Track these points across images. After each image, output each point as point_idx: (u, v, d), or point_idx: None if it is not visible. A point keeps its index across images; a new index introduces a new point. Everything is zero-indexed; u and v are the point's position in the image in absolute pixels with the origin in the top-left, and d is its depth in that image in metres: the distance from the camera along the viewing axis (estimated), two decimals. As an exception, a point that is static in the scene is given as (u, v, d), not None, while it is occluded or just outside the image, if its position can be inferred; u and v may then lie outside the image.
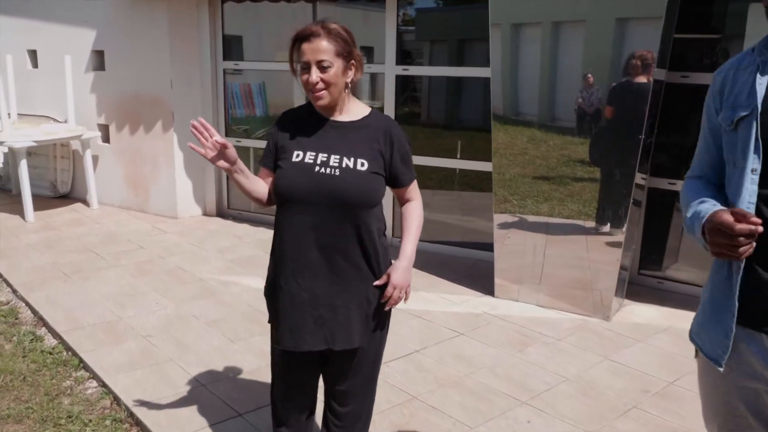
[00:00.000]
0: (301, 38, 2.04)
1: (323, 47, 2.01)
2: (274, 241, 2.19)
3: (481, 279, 4.69)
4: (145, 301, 4.21)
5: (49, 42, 6.88)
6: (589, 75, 4.09)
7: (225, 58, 6.18)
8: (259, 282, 4.74)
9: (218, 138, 2.05)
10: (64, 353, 3.57)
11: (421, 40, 5.98)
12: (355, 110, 2.15)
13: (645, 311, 4.25)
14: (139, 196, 6.56)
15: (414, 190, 2.21)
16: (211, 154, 2.06)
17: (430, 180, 5.61)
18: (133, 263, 4.98)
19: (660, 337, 3.86)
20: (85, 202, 6.88)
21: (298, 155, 2.10)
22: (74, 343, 3.59)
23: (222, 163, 2.08)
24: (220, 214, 6.52)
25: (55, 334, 3.76)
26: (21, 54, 7.19)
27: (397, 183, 2.15)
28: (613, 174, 4.07)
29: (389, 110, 5.42)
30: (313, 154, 2.09)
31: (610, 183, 4.12)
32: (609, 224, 4.17)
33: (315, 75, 2.01)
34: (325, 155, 2.08)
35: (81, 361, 3.43)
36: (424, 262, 4.79)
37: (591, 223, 4.21)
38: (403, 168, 2.13)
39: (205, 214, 6.52)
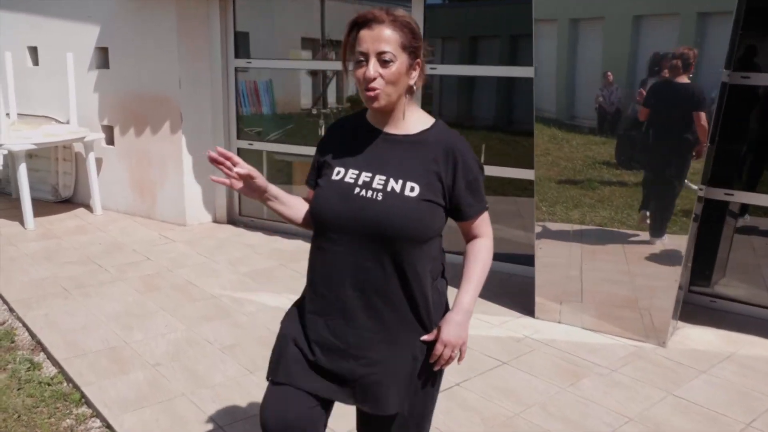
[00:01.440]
0: (359, 24, 1.65)
1: (386, 36, 1.62)
2: (308, 267, 1.84)
3: (518, 297, 4.31)
4: (153, 323, 3.84)
5: (51, 38, 6.51)
6: (609, 73, 3.77)
7: (237, 56, 5.79)
8: (276, 300, 4.46)
9: (241, 169, 1.69)
10: (64, 384, 3.20)
11: (432, 37, 5.60)
12: (414, 121, 1.75)
13: (702, 335, 3.86)
14: (146, 202, 6.19)
15: (483, 225, 1.81)
16: (238, 185, 1.71)
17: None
18: (139, 277, 4.61)
19: (724, 366, 3.48)
20: (88, 207, 6.51)
21: (338, 173, 1.74)
22: (75, 373, 3.22)
23: (251, 193, 1.75)
24: (231, 221, 6.15)
25: (55, 362, 3.39)
26: (21, 51, 6.81)
27: (460, 215, 1.76)
28: (670, 182, 3.70)
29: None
30: (356, 172, 1.72)
31: (661, 191, 3.77)
32: (664, 237, 3.79)
33: (373, 69, 1.62)
34: (369, 175, 1.71)
35: (83, 395, 3.05)
36: (452, 275, 4.41)
37: (627, 232, 3.85)
38: (469, 197, 1.73)
39: (215, 221, 6.15)
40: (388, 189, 1.67)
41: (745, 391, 3.21)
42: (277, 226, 5.88)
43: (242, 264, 4.97)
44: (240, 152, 5.98)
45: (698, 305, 4.28)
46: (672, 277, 3.70)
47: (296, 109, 6.27)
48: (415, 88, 1.71)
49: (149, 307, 4.06)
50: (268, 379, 1.85)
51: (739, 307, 4.24)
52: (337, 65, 6.16)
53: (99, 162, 6.38)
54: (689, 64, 3.60)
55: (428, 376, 1.80)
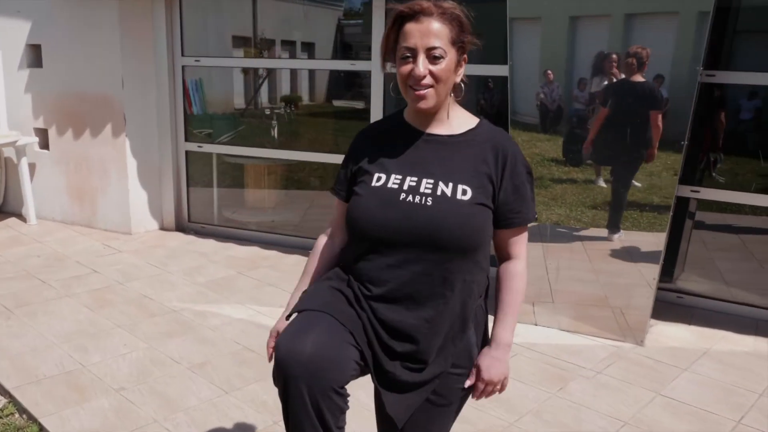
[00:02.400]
0: (405, 16, 1.50)
1: (436, 30, 1.48)
2: (346, 267, 1.69)
3: (491, 300, 4.22)
4: (110, 342, 3.55)
5: (-26, 35, 6.01)
6: (549, 71, 3.80)
7: (184, 54, 5.48)
8: (241, 312, 4.21)
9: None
10: (17, 416, 2.89)
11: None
12: (458, 121, 1.62)
13: (676, 332, 3.88)
14: (86, 210, 5.79)
15: (521, 242, 1.66)
16: None
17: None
18: (88, 292, 4.28)
19: (703, 363, 3.49)
20: (20, 216, 6.05)
21: (379, 178, 1.58)
22: (30, 402, 2.91)
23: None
24: (180, 228, 5.83)
25: (4, 391, 3.06)
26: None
27: (500, 222, 1.61)
28: (623, 179, 3.75)
29: (377, 114, 4.89)
30: (399, 177, 1.57)
31: (615, 188, 3.82)
32: (620, 233, 3.82)
33: (423, 66, 1.48)
34: (415, 179, 1.56)
35: (41, 428, 2.76)
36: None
37: (585, 231, 3.88)
38: (516, 202, 1.60)
39: (163, 228, 5.82)
40: (438, 193, 1.54)
41: (728, 388, 3.22)
42: (229, 232, 5.62)
43: (198, 274, 4.69)
44: (188, 155, 5.68)
45: (665, 302, 4.32)
46: (650, 275, 3.70)
47: (229, 109, 6.02)
48: (463, 86, 1.58)
49: (104, 325, 3.76)
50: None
51: (704, 302, 4.30)
52: (288, 63, 5.95)
53: (32, 168, 5.94)
54: (643, 63, 3.64)
55: (452, 396, 1.68)
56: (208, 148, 5.68)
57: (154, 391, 3.03)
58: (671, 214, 3.67)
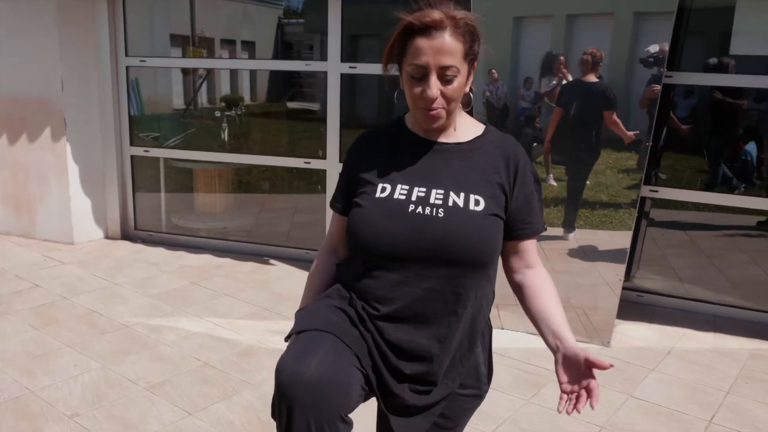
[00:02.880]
0: (417, 30, 1.38)
1: (449, 47, 1.37)
2: (349, 285, 1.56)
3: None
4: (60, 363, 3.32)
5: None
6: (494, 70, 3.83)
7: (128, 54, 5.22)
8: (199, 325, 4.04)
9: None
10: (-41, 450, 2.66)
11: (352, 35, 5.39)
12: (465, 128, 1.53)
13: (639, 331, 3.92)
14: (22, 219, 5.46)
15: (535, 252, 1.59)
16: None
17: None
18: (31, 308, 4.01)
19: (668, 362, 3.52)
20: (-50, 227, 5.67)
21: (384, 189, 1.47)
22: (-27, 435, 2.69)
23: None
24: (127, 236, 5.56)
25: (-58, 423, 2.82)
26: None
27: (514, 233, 1.53)
28: (579, 177, 3.80)
29: (333, 116, 4.77)
30: (406, 187, 1.46)
31: (577, 188, 3.84)
32: (574, 231, 3.84)
33: (435, 88, 1.38)
34: (423, 189, 1.46)
35: (-12, 463, 2.55)
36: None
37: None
38: (527, 212, 1.53)
39: (108, 237, 5.54)
40: (449, 204, 1.44)
41: (696, 387, 3.26)
42: (179, 240, 5.39)
43: (150, 285, 4.47)
44: (134, 160, 5.43)
45: (626, 300, 4.35)
46: (612, 275, 3.71)
47: (167, 110, 5.80)
48: (472, 95, 1.49)
49: (51, 345, 3.52)
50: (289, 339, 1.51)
51: (662, 300, 4.37)
52: (244, 64, 5.77)
53: (-38, 175, 5.56)
54: (597, 64, 3.67)
55: (459, 417, 1.62)
56: (155, 152, 5.44)
57: (111, 416, 2.84)
58: (636, 214, 3.69)
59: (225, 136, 5.56)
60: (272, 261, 5.07)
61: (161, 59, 5.40)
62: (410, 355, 1.47)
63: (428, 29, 1.37)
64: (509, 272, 1.60)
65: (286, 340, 1.51)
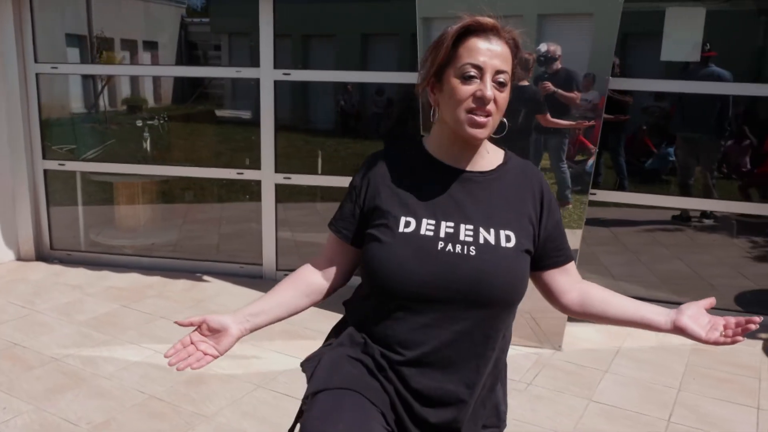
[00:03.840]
0: (473, 30, 1.31)
1: (503, 53, 1.32)
2: (366, 328, 1.47)
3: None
4: (-15, 406, 2.99)
5: None
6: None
7: (38, 60, 4.82)
8: (138, 353, 3.78)
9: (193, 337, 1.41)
10: None
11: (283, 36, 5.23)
12: (489, 155, 1.45)
13: (586, 333, 3.99)
14: None
15: (576, 271, 1.55)
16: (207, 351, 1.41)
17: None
18: (-59, 345, 3.62)
19: (619, 363, 3.60)
20: None
21: (408, 223, 1.37)
22: None
23: (225, 339, 1.42)
24: (42, 257, 5.13)
25: None
26: None
27: (549, 261, 1.48)
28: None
29: (268, 124, 4.58)
30: (432, 222, 1.37)
31: None
32: None
33: (491, 89, 1.29)
34: (451, 224, 1.37)
35: None
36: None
37: None
38: (560, 240, 1.48)
39: (21, 258, 5.09)
40: (481, 241, 1.36)
41: (649, 386, 3.34)
42: (102, 258, 5.04)
43: (75, 311, 4.14)
44: (48, 174, 5.02)
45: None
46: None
47: (65, 115, 5.44)
48: (506, 123, 1.41)
49: (-29, 386, 3.17)
50: (305, 402, 1.40)
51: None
52: (171, 71, 5.47)
53: None
54: (528, 69, 3.72)
55: None
56: (71, 165, 5.05)
57: (54, 465, 2.58)
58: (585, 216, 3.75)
59: (147, 146, 5.25)
60: (205, 277, 4.83)
61: (76, 66, 5.02)
62: (436, 403, 1.38)
63: (485, 31, 1.31)
64: (560, 296, 1.53)
65: (303, 400, 1.39)
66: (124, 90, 5.66)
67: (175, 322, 1.48)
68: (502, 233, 1.38)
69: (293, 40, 5.35)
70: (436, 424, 1.39)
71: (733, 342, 1.34)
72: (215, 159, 5.48)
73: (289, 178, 4.67)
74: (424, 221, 1.37)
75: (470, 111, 1.33)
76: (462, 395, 1.39)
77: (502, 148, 1.51)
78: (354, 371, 1.37)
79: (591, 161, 3.70)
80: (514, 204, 1.43)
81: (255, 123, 4.69)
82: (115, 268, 4.95)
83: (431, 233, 1.36)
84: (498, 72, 1.32)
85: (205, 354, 1.41)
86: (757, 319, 1.33)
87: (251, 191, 5.43)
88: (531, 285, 1.51)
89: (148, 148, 5.25)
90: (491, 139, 1.47)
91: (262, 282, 4.74)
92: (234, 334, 1.43)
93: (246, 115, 5.36)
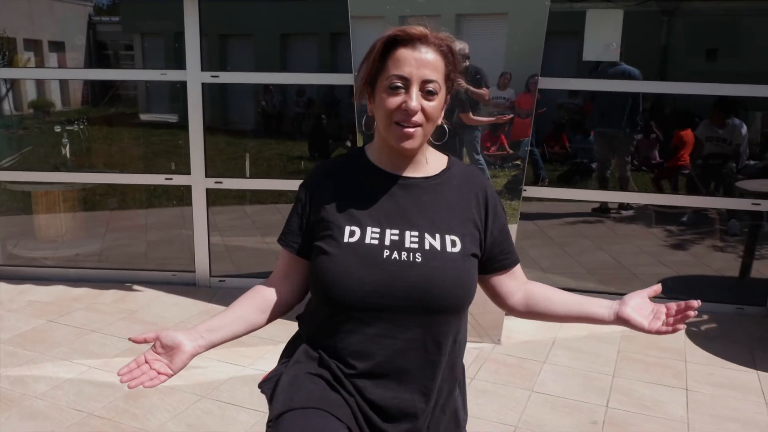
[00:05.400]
0: (400, 40, 1.31)
1: (433, 62, 1.32)
2: (313, 341, 1.47)
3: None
4: None
5: None
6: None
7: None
8: (70, 369, 3.62)
9: (148, 356, 1.38)
10: None
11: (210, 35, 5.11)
12: (431, 161, 1.46)
13: (521, 325, 4.09)
14: None
15: (522, 273, 1.58)
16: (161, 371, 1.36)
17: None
18: None
19: (556, 353, 3.73)
20: None
21: (353, 233, 1.37)
22: None
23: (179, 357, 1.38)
24: (-48, 272, 4.82)
25: None
26: None
27: (496, 265, 1.51)
28: None
29: (196, 128, 4.46)
30: (377, 230, 1.38)
31: None
32: None
33: (417, 100, 1.30)
34: (396, 231, 1.38)
35: None
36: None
37: None
38: (506, 243, 1.52)
39: (-71, 275, 4.77)
40: (426, 247, 1.37)
41: (585, 374, 3.48)
42: (22, 272, 4.77)
43: (-3, 329, 3.92)
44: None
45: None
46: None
47: None
48: (446, 129, 1.42)
49: None
50: (270, 426, 1.37)
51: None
52: (97, 74, 5.24)
53: None
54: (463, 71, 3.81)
55: None
56: (-17, 175, 4.76)
57: (-11, 494, 2.44)
58: (518, 217, 3.85)
59: (67, 152, 5.02)
60: (136, 287, 4.66)
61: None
62: (394, 414, 1.38)
63: (413, 41, 1.32)
64: (506, 298, 1.57)
65: (268, 423, 1.37)
66: (30, 93, 5.39)
67: (130, 339, 1.43)
68: (448, 238, 1.40)
69: (209, 40, 5.23)
70: None
71: (675, 330, 1.39)
72: (140, 164, 5.29)
73: (220, 182, 4.58)
74: (369, 230, 1.38)
75: (398, 122, 1.34)
76: (419, 403, 1.40)
77: (445, 153, 1.54)
78: (315, 388, 1.36)
79: (534, 154, 3.80)
80: (459, 209, 1.45)
81: (179, 126, 4.57)
82: (38, 281, 4.70)
83: (376, 241, 1.37)
84: (426, 81, 1.33)
85: (159, 373, 1.36)
86: (695, 303, 1.38)
87: (177, 196, 5.29)
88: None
89: (68, 154, 5.01)
90: (433, 145, 1.49)
91: (195, 289, 4.63)
92: (188, 351, 1.39)
93: (172, 118, 5.21)
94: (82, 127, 5.08)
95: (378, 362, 1.36)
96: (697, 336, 3.97)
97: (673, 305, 1.41)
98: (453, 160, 1.53)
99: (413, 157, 1.44)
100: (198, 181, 4.56)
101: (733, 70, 5.78)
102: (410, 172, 1.45)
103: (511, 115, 3.69)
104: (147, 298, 4.49)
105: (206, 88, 4.42)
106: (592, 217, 5.98)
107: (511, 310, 1.59)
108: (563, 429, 2.94)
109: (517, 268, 1.57)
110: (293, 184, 4.87)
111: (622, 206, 5.91)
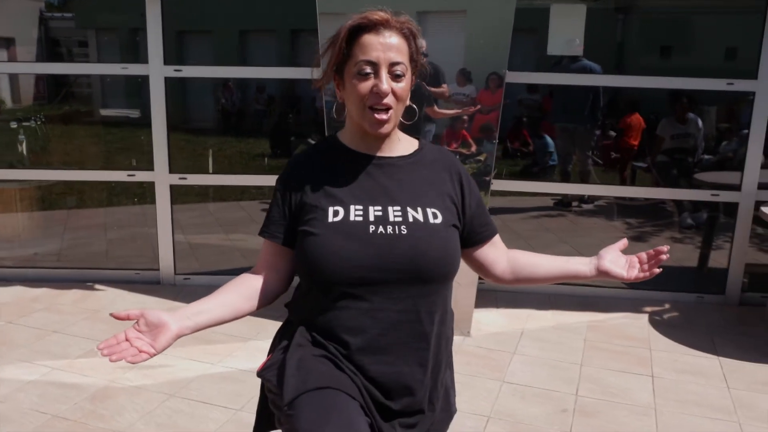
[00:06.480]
0: (363, 27, 1.35)
1: (398, 44, 1.36)
2: (311, 322, 1.46)
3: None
4: None
5: None
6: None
7: None
8: (31, 371, 3.52)
9: (129, 333, 1.32)
10: None
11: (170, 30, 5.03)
12: (403, 142, 1.51)
13: (490, 317, 4.15)
14: None
15: (502, 242, 1.62)
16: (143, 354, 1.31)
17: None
18: None
19: (525, 344, 3.78)
20: None
21: (336, 212, 1.39)
22: None
23: (162, 337, 1.34)
24: None
25: None
26: None
27: (476, 238, 1.55)
28: None
29: (159, 123, 4.38)
30: (360, 208, 1.40)
31: None
32: None
33: (387, 83, 1.33)
34: (379, 207, 1.41)
35: None
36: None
37: None
38: (483, 215, 1.56)
39: None
40: (410, 219, 1.40)
41: (554, 364, 3.53)
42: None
43: (-48, 331, 3.78)
44: None
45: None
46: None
47: None
48: (416, 109, 1.45)
49: None
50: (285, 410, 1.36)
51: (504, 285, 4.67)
52: (56, 68, 5.09)
53: None
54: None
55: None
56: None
57: (-49, 501, 2.35)
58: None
59: (24, 149, 4.87)
60: (98, 286, 4.55)
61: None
62: (395, 389, 1.39)
63: (376, 26, 1.36)
64: (492, 268, 1.60)
65: (283, 408, 1.35)
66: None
67: (111, 314, 1.39)
68: (429, 211, 1.44)
69: (167, 36, 5.15)
70: (398, 411, 1.40)
71: (651, 275, 1.53)
72: (99, 161, 5.17)
73: (185, 178, 4.50)
74: (352, 207, 1.40)
75: (371, 107, 1.37)
76: (417, 374, 1.42)
77: (415, 137, 1.57)
78: (325, 369, 1.37)
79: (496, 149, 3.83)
80: (436, 184, 1.49)
81: (139, 122, 4.49)
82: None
83: (360, 218, 1.39)
84: (393, 64, 1.36)
85: (141, 351, 1.32)
86: (664, 248, 1.54)
87: (138, 194, 5.19)
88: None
89: (25, 151, 4.87)
90: (403, 127, 1.53)
91: (160, 287, 4.54)
92: (173, 330, 1.35)
93: (133, 114, 5.10)
94: (39, 123, 4.94)
95: (373, 336, 1.38)
96: (660, 324, 4.06)
97: (644, 254, 1.56)
98: (424, 142, 1.58)
99: (386, 138, 1.47)
100: (162, 177, 4.48)
101: (685, 65, 5.93)
102: (385, 152, 1.48)
103: (478, 106, 3.72)
104: (110, 297, 4.39)
105: (167, 84, 4.34)
106: (554, 211, 6.07)
107: (499, 279, 1.63)
108: (535, 418, 2.98)
109: (497, 238, 1.62)
110: (260, 180, 4.84)
111: (583, 200, 6.01)
